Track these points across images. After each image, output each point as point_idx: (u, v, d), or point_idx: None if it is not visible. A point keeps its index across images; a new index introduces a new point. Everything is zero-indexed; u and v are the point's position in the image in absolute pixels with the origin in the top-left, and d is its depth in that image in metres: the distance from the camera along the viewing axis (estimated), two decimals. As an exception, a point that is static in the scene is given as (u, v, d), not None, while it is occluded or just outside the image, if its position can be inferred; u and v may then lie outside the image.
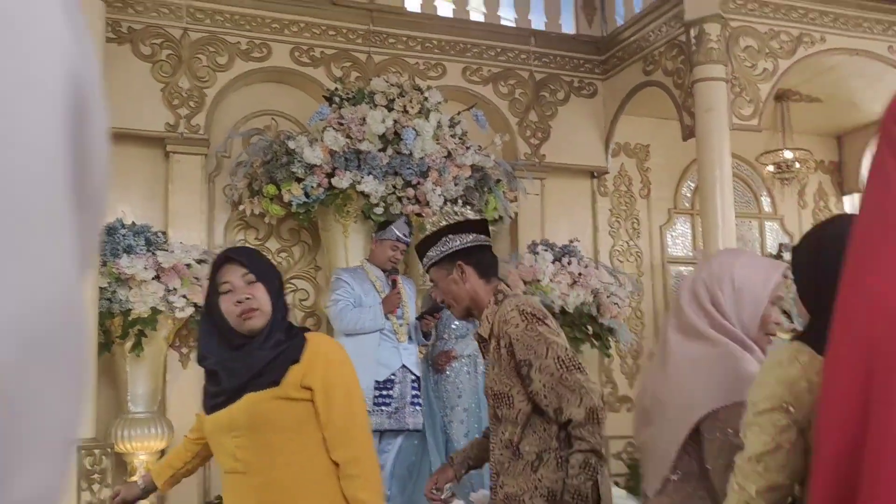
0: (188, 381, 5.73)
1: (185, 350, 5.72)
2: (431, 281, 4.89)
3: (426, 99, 5.85)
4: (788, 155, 7.05)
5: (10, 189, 0.39)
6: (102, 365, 5.01)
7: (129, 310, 5.05)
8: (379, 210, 5.51)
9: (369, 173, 5.49)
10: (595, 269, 6.30)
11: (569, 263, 6.14)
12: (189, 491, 5.61)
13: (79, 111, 0.45)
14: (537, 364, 2.41)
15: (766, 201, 8.06)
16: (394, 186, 5.56)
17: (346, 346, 4.56)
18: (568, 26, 7.23)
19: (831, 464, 1.16)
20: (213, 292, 2.15)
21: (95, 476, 4.35)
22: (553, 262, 6.10)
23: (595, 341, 6.20)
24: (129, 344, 5.12)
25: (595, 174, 7.23)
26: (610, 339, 6.27)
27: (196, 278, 5.23)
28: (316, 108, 6.13)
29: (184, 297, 5.14)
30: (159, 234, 5.31)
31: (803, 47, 6.31)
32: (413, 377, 4.69)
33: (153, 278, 5.06)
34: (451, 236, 2.71)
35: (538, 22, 7.15)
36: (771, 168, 7.23)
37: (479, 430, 4.74)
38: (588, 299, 6.14)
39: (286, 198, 5.53)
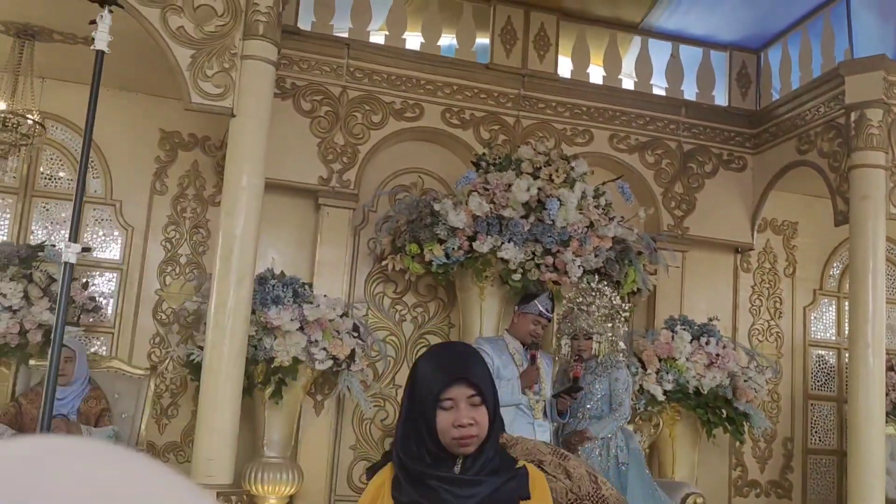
0: (320, 428, 5.91)
1: (319, 398, 5.90)
2: (577, 358, 4.92)
3: (572, 168, 5.88)
4: (948, 244, 6.71)
5: None
6: (243, 409, 5.21)
7: (273, 358, 5.25)
8: (517, 276, 5.56)
9: (510, 239, 5.55)
10: (733, 350, 6.15)
11: (707, 343, 6.02)
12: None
13: None
14: None
15: (920, 287, 7.68)
16: (533, 253, 5.59)
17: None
18: (720, 98, 7.13)
19: None
20: (431, 400, 1.89)
21: (231, 522, 4.53)
22: (691, 342, 5.99)
23: (728, 425, 6.03)
24: (269, 390, 5.32)
25: (739, 249, 7.07)
26: (744, 424, 6.08)
27: (336, 331, 5.40)
28: (462, 167, 6.27)
29: (324, 349, 5.30)
30: (306, 287, 5.50)
31: (973, 136, 6.01)
32: (545, 455, 4.67)
33: (297, 329, 5.25)
34: None
35: (690, 92, 7.08)
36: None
37: (605, 513, 4.69)
38: (724, 382, 5.99)
39: (427, 257, 5.65)
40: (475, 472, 1.88)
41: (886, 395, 6.19)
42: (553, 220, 5.60)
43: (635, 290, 6.04)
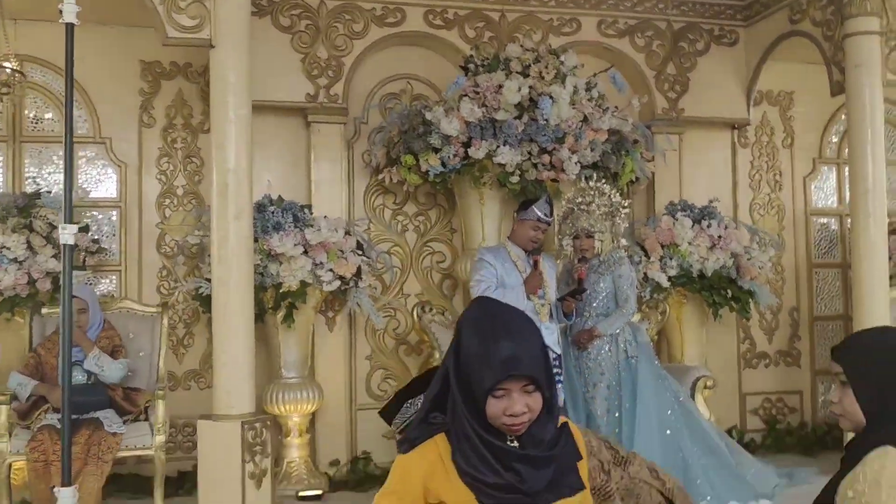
0: (335, 343, 6.02)
1: (330, 314, 5.98)
2: (580, 259, 4.95)
3: (562, 63, 5.78)
4: (947, 102, 6.63)
5: None
6: (257, 334, 5.27)
7: (280, 283, 5.31)
8: (514, 179, 5.54)
9: (505, 142, 5.50)
10: (735, 229, 6.17)
11: (708, 226, 6.04)
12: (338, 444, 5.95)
13: None
14: None
15: (919, 146, 7.65)
16: (529, 153, 5.56)
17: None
18: (708, -29, 6.92)
19: None
20: (482, 392, 1.79)
21: (257, 448, 4.66)
22: (692, 226, 6.01)
23: (734, 304, 6.11)
24: (280, 315, 5.40)
25: (736, 126, 7.01)
26: (749, 301, 6.17)
27: (340, 251, 5.43)
28: (450, 69, 6.17)
29: (330, 270, 5.35)
30: (305, 211, 5.51)
31: (968, -8, 5.85)
32: (554, 355, 4.77)
33: (301, 253, 5.28)
34: (410, 401, 2.63)
35: (676, -32, 6.87)
36: (927, 116, 6.83)
37: (619, 407, 4.83)
38: (728, 262, 6.04)
39: (424, 167, 5.63)
40: (543, 448, 1.84)
41: (889, 258, 6.25)
42: (547, 119, 5.55)
43: (634, 179, 6.03)
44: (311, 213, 5.66)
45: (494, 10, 6.42)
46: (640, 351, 4.90)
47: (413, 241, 6.36)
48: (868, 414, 1.98)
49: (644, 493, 2.40)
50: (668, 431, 4.72)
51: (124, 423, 4.72)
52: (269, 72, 5.86)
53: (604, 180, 5.34)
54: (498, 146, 5.49)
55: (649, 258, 6.01)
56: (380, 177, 6.04)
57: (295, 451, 5.61)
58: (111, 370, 4.82)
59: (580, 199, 5.08)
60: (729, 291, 6.09)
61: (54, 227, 5.22)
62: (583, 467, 1.95)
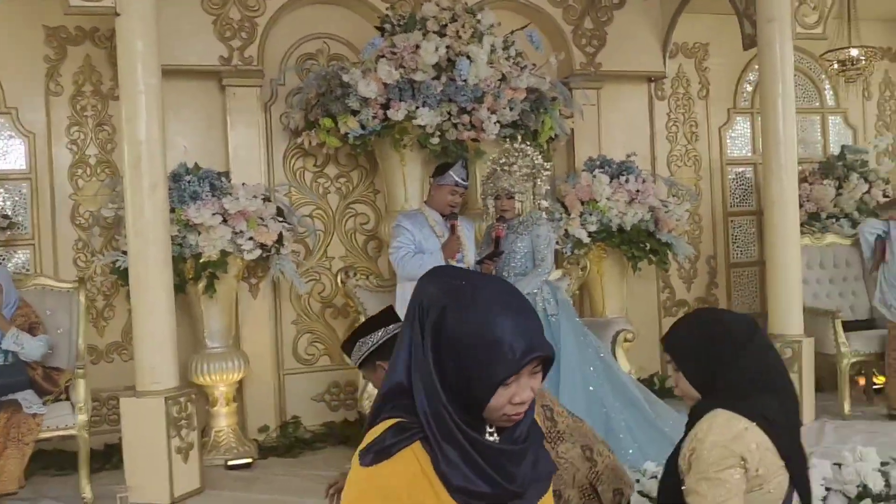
0: (259, 310, 5.99)
1: (254, 281, 5.93)
2: (499, 218, 4.99)
3: (479, 21, 5.75)
4: (854, 52, 6.79)
5: None
6: (179, 305, 5.21)
7: (200, 254, 5.24)
8: (435, 140, 5.52)
9: (424, 103, 5.47)
10: (653, 184, 6.28)
11: (626, 181, 6.13)
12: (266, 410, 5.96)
13: None
14: None
15: (828, 94, 7.84)
16: (449, 113, 5.54)
17: (409, 291, 4.77)
18: (623, -77, 6.91)
19: None
20: (489, 384, 1.48)
21: (182, 422, 4.64)
22: (610, 182, 6.09)
23: (653, 257, 6.25)
24: (201, 285, 5.34)
25: (652, 78, 7.09)
26: (668, 253, 6.31)
27: (261, 218, 5.37)
28: (367, 27, 6.08)
29: (251, 238, 5.29)
30: (222, 179, 5.42)
31: (873, -56, 5.98)
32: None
33: (220, 223, 5.21)
34: (362, 340, 2.82)
35: (591, -80, 6.84)
36: (836, 66, 6.99)
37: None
38: (646, 216, 6.15)
39: (343, 130, 5.57)
40: (521, 441, 1.57)
41: (800, 206, 6.45)
42: (465, 79, 5.52)
43: (553, 136, 6.07)
44: (230, 181, 5.58)
45: (410, -34, 6.33)
46: (559, 309, 4.98)
47: (335, 204, 6.32)
48: (700, 388, 2.27)
49: (566, 475, 2.46)
50: (591, 388, 4.82)
51: (44, 403, 4.64)
52: (180, 35, 5.71)
53: (524, 139, 5.36)
54: (417, 107, 5.46)
55: (570, 215, 6.09)
56: (299, 140, 5.96)
57: (223, 419, 5.60)
58: (31, 347, 4.72)
59: (503, 160, 5.10)
60: (648, 244, 6.21)
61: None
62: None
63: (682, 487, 2.17)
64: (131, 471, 4.60)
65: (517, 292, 1.57)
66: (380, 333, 2.81)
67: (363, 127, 5.54)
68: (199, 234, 5.21)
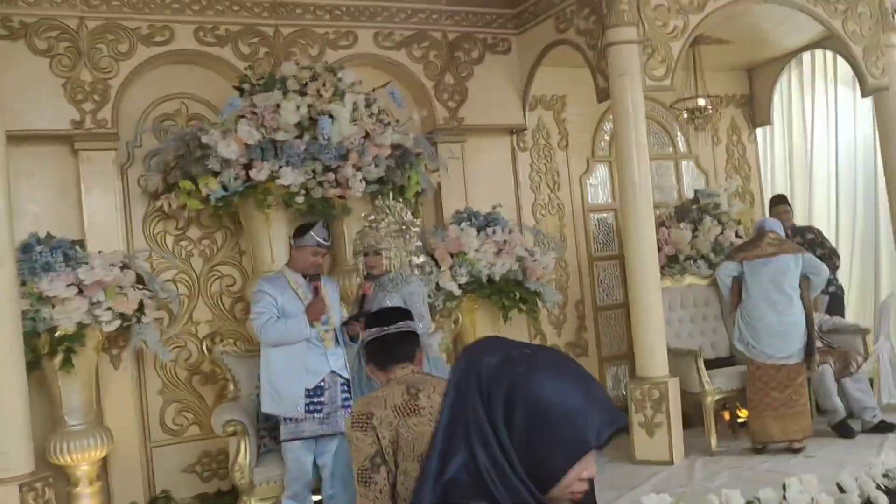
0: (122, 381, 5.74)
1: (115, 352, 5.68)
2: (366, 276, 4.95)
3: (340, 80, 5.75)
4: (702, 102, 7.16)
5: None
6: (34, 382, 4.92)
7: (55, 327, 4.98)
8: (300, 199, 5.46)
9: (287, 162, 5.41)
10: (519, 234, 6.40)
11: (493, 233, 6.22)
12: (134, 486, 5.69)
13: None
14: None
15: (681, 140, 8.21)
16: (313, 171, 5.50)
17: (274, 358, 4.68)
18: (478, -19, 7.10)
19: None
20: (565, 462, 1.38)
21: (40, 510, 4.37)
22: (478, 234, 6.17)
23: (522, 306, 6.33)
24: (58, 360, 5.06)
25: (514, 130, 7.25)
26: (537, 301, 6.41)
27: (120, 287, 5.16)
28: (226, 86, 6.00)
29: (109, 308, 5.07)
30: (76, 248, 5.18)
31: (713, 0, 6.32)
32: (342, 381, 4.76)
33: (76, 294, 4.97)
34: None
35: (447, -22, 7.00)
36: (685, 114, 7.33)
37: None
38: (513, 266, 6.24)
39: (204, 192, 5.45)
40: None
41: (659, 250, 6.69)
42: (328, 138, 5.50)
43: (420, 190, 6.11)
44: (85, 249, 5.34)
45: (268, 25, 6.30)
46: (431, 367, 4.95)
47: (200, 267, 6.15)
48: None
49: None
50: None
51: None
52: (27, 99, 5.49)
53: (392, 195, 5.37)
54: (280, 167, 5.39)
55: (440, 268, 6.12)
56: (158, 203, 5.79)
57: (87, 501, 5.29)
58: None
59: (372, 217, 5.10)
60: (517, 293, 6.30)
61: None
62: None
63: None
64: (-17, 566, 4.28)
65: (571, 359, 1.47)
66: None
67: (225, 188, 5.43)
68: (54, 306, 4.95)
